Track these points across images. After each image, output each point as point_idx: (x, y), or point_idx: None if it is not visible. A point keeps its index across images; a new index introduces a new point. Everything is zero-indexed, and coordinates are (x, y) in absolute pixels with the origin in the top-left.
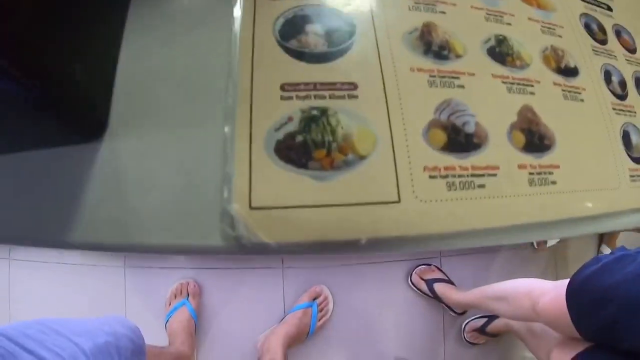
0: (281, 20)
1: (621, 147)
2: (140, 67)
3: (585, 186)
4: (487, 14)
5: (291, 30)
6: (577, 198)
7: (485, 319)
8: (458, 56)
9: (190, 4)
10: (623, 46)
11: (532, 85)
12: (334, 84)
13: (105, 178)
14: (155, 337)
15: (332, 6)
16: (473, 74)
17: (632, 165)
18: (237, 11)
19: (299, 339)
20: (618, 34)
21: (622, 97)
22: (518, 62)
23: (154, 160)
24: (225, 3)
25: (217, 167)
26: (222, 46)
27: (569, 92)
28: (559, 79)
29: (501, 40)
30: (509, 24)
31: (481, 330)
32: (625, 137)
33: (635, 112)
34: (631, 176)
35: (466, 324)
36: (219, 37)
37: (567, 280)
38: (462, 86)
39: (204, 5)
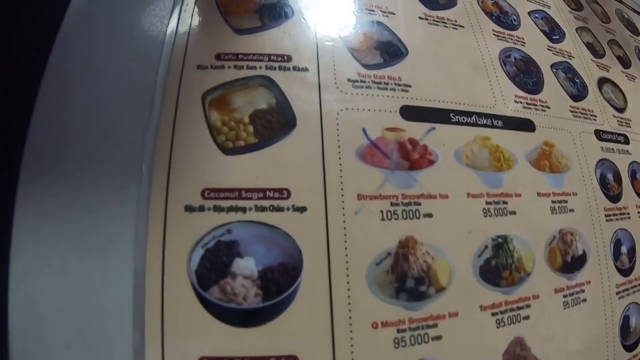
0: (199, 253)
1: (618, 342)
2: (32, 300)
3: None
4: (487, 202)
5: (212, 269)
6: None
7: None
8: (440, 290)
9: (86, 217)
10: (636, 192)
11: (528, 306)
12: (268, 358)
13: None
14: None
15: (270, 223)
16: (456, 314)
17: (626, 357)
18: (142, 233)
19: None
20: (633, 176)
21: (629, 270)
22: (517, 275)
23: None
24: (126, 216)
25: None
26: (123, 289)
27: (571, 295)
28: (562, 281)
29: (500, 245)
30: (513, 212)
31: None
32: (625, 324)
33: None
34: None
35: None
36: (119, 269)
37: None
38: (438, 337)
39: (102, 221)
